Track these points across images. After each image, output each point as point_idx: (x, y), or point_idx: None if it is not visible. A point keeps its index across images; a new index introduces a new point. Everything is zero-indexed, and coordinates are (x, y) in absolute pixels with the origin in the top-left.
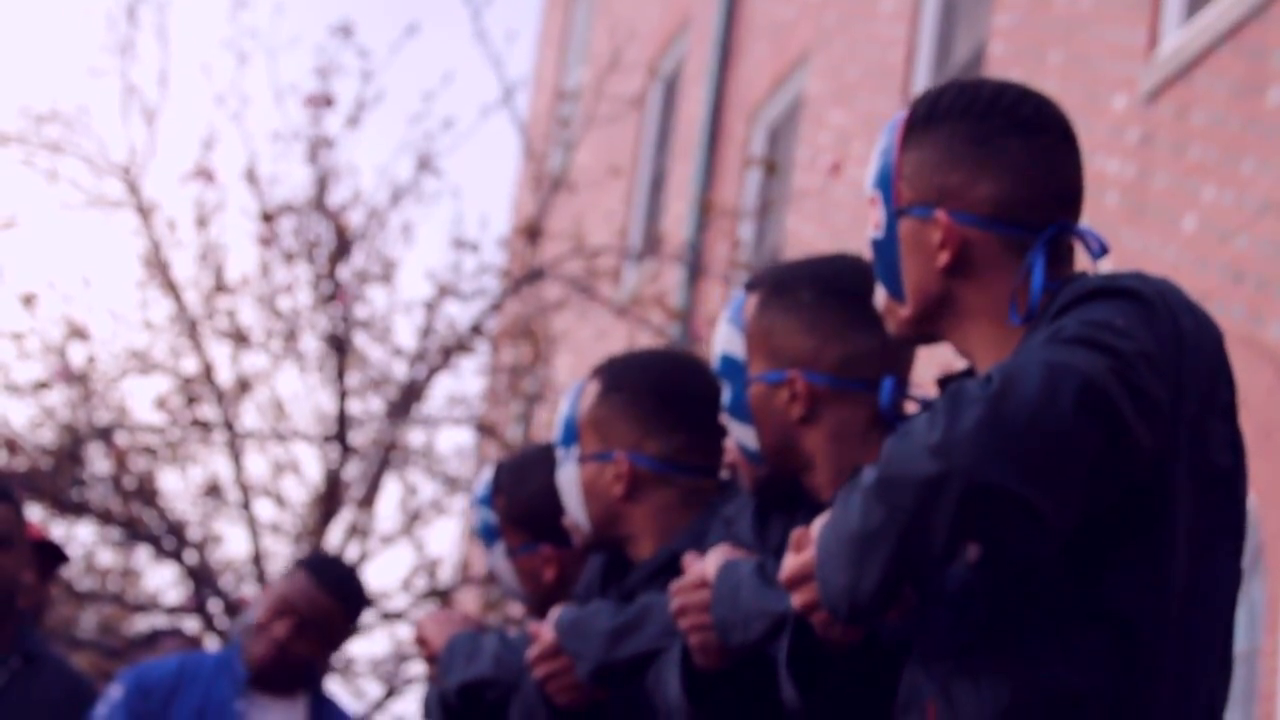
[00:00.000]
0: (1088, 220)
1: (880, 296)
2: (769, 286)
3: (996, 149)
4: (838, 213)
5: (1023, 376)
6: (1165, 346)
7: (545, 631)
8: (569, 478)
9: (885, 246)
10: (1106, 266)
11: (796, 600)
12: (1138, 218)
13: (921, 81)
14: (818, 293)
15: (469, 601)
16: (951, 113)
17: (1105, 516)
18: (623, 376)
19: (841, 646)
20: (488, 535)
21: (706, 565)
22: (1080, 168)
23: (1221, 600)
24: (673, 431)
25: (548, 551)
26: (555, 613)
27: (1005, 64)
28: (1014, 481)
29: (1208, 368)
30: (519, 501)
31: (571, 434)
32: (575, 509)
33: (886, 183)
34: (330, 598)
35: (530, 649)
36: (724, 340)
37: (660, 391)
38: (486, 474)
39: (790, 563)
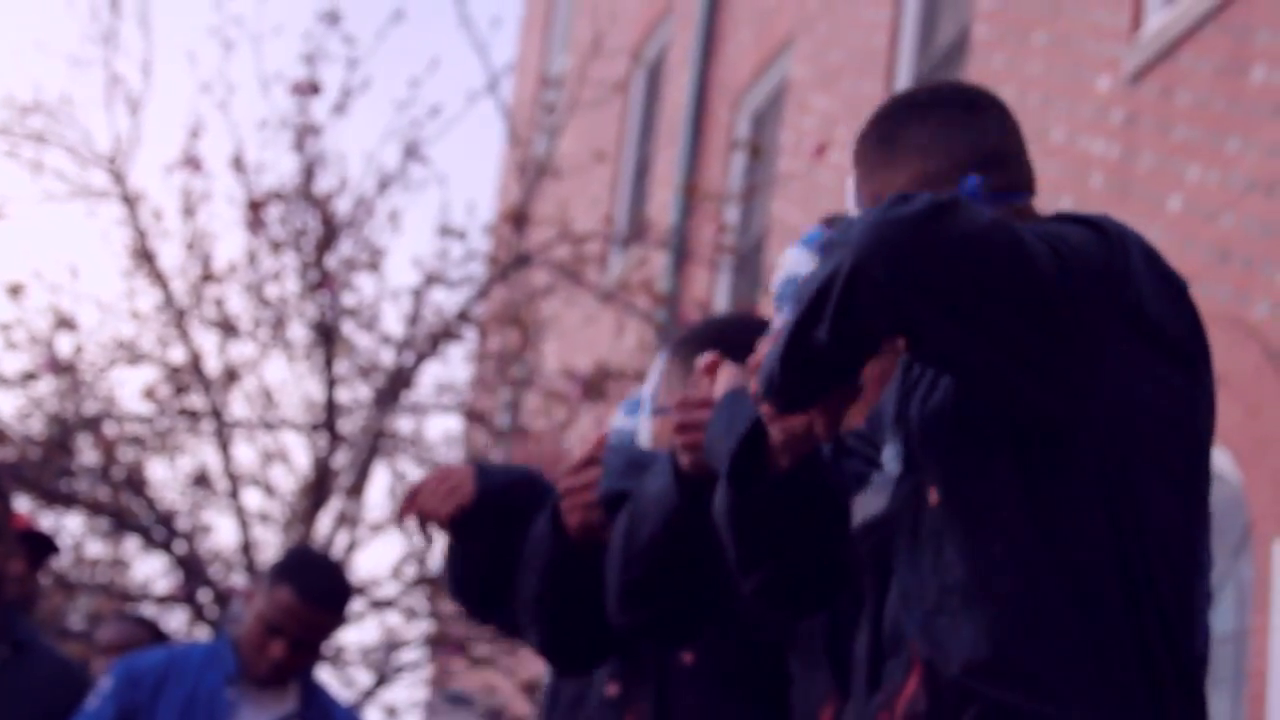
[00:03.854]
0: (1073, 201)
1: None
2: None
3: (899, 140)
4: (822, 196)
5: (973, 208)
6: (1110, 270)
7: (593, 441)
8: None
9: None
10: None
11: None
12: (1123, 198)
13: (906, 64)
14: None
15: None
16: (866, 127)
17: (1035, 427)
18: (687, 335)
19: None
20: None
21: (716, 386)
22: (999, 132)
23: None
24: None
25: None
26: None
27: (989, 46)
28: (902, 284)
29: (1155, 306)
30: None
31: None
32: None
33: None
34: (319, 611)
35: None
36: (793, 263)
37: (715, 345)
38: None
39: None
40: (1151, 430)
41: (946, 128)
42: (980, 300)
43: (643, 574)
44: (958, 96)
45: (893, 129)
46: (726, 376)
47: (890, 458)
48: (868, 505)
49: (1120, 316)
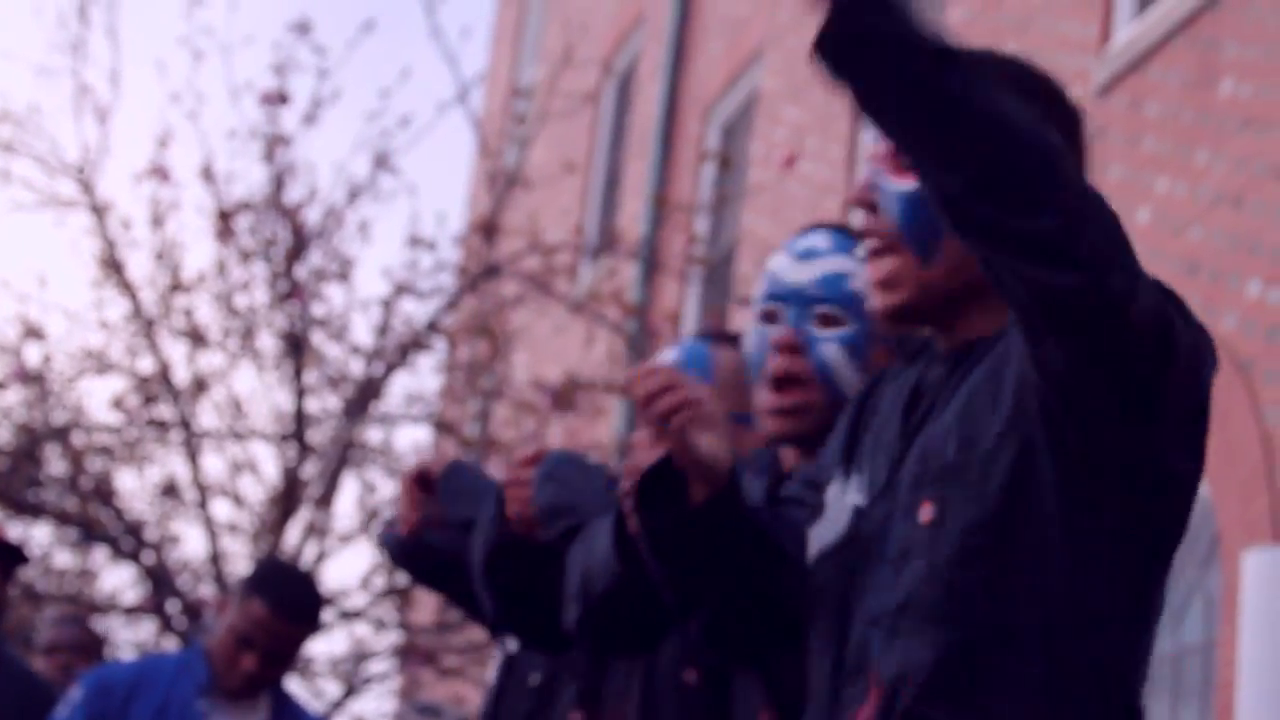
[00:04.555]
0: None
1: (892, 260)
2: None
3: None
4: (792, 207)
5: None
6: (1200, 350)
7: (545, 444)
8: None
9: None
10: None
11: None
12: None
13: None
14: None
15: (429, 601)
16: (1033, 92)
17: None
18: None
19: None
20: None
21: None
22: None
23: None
24: None
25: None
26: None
27: None
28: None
29: (1208, 375)
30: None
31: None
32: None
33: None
34: (291, 624)
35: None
36: (788, 271)
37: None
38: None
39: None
40: (1163, 508)
41: (1081, 135)
42: (1140, 361)
43: (601, 619)
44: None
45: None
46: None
47: (846, 491)
48: (823, 534)
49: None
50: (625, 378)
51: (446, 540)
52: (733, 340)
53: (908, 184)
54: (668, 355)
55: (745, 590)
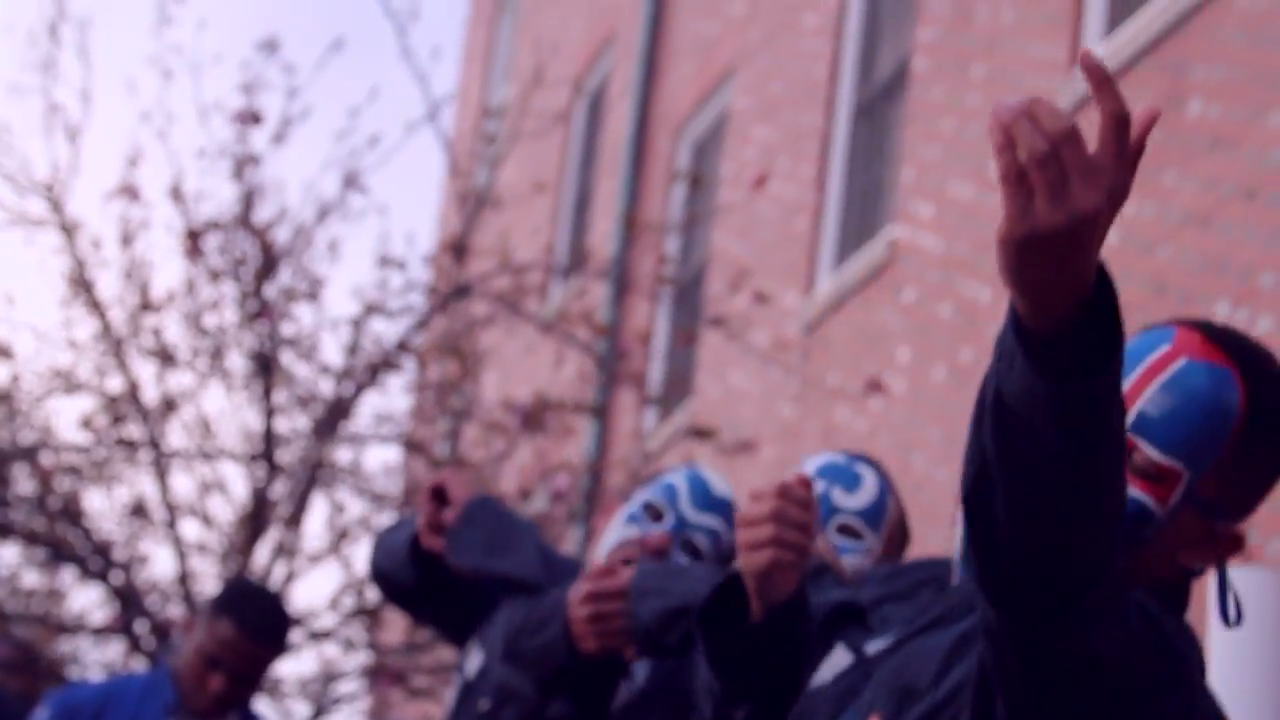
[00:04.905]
0: None
1: None
2: None
3: (1272, 484)
4: (762, 227)
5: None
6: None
7: (625, 571)
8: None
9: (1153, 524)
10: None
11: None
12: None
13: (846, 96)
14: None
15: (398, 621)
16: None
17: None
18: None
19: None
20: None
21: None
22: None
23: None
24: None
25: None
26: (634, 570)
27: (928, 79)
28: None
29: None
30: None
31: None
32: None
33: (1203, 462)
34: (259, 645)
35: (590, 579)
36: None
37: None
38: None
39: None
40: None
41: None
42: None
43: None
44: None
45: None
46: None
47: (861, 642)
48: (822, 673)
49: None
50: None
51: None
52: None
53: (1134, 492)
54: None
55: (784, 694)
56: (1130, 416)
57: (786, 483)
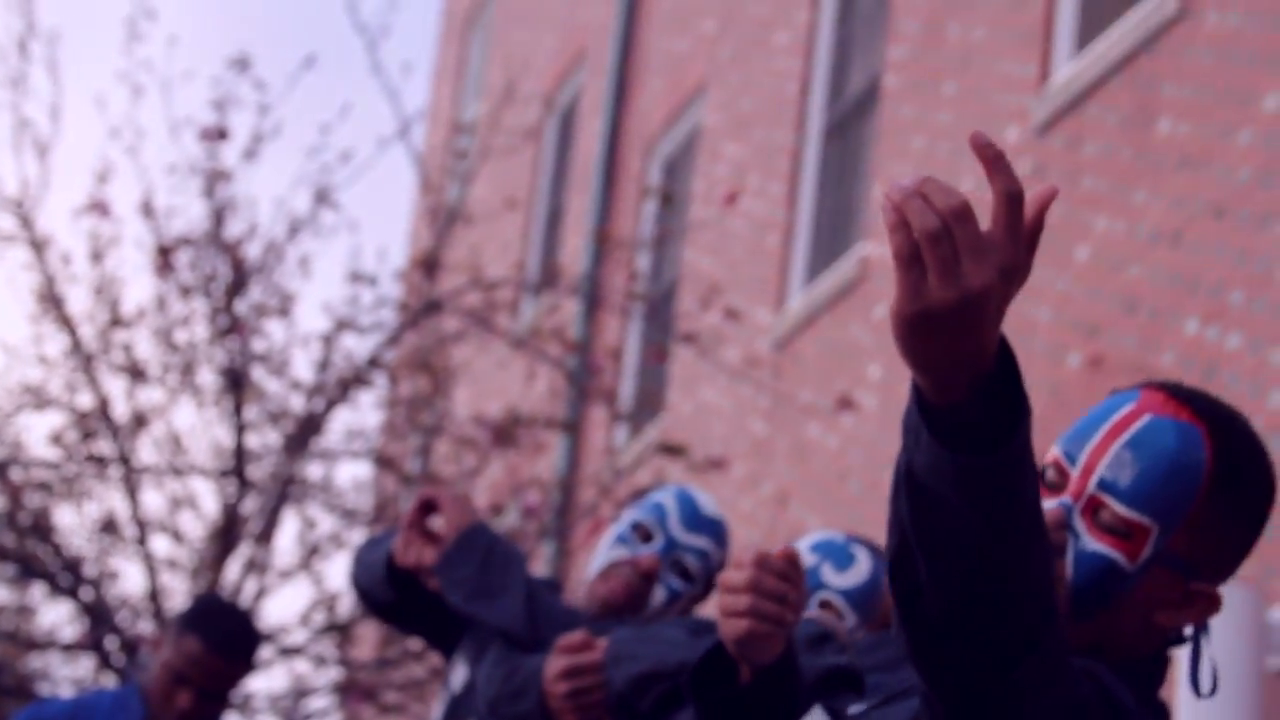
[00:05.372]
0: None
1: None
2: None
3: (1246, 543)
4: (733, 244)
5: (1073, 678)
6: None
7: (600, 643)
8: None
9: (1123, 581)
10: None
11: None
12: None
13: (816, 114)
14: None
15: (369, 637)
16: (1259, 486)
17: None
18: None
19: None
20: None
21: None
22: None
23: None
24: None
25: None
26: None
27: (899, 97)
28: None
29: None
30: None
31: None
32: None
33: (1172, 520)
34: (226, 661)
35: (566, 654)
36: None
37: None
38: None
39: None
40: None
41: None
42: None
43: None
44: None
45: (1256, 523)
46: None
47: (845, 710)
48: None
49: None
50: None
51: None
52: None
53: (1102, 548)
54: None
55: None
56: (1095, 477)
57: (765, 553)
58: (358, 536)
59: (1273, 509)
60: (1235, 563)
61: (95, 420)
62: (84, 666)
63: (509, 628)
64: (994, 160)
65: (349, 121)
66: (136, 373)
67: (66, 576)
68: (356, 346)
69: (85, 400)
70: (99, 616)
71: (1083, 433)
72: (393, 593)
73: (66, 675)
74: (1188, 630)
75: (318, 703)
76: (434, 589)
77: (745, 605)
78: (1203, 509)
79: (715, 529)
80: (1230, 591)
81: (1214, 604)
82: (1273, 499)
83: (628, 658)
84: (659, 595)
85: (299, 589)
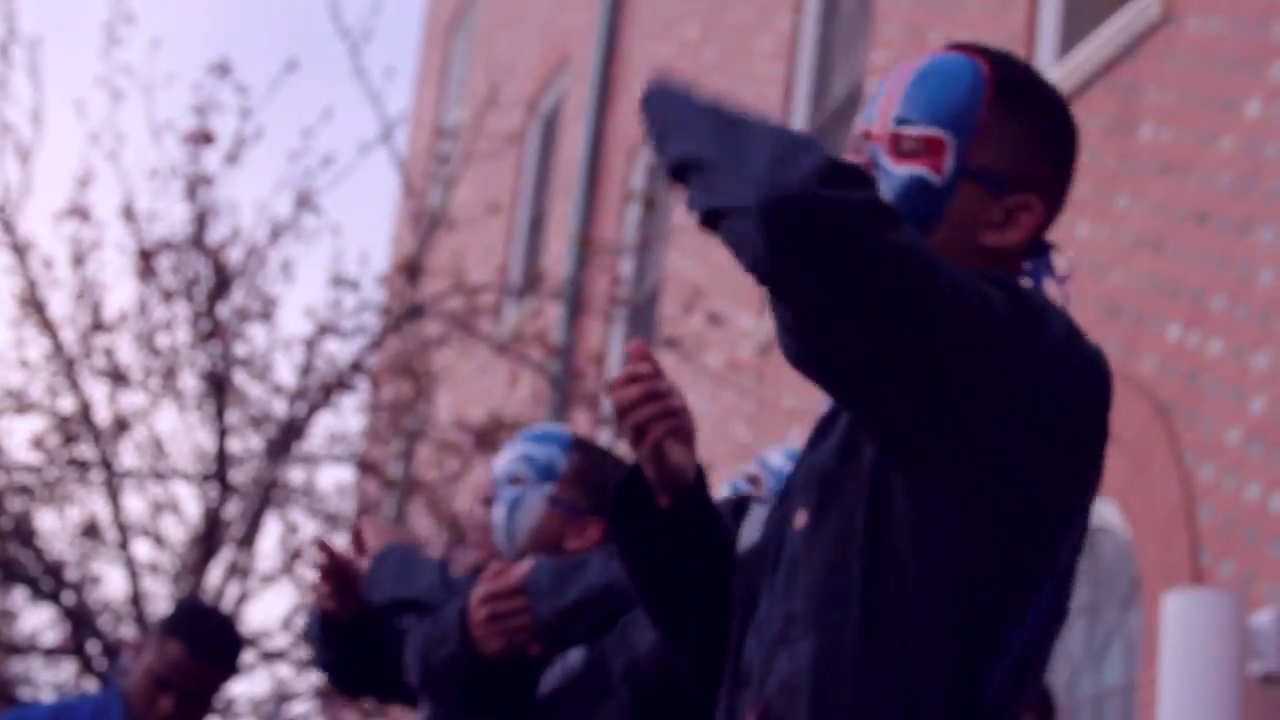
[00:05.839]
0: None
1: None
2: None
3: (1070, 161)
4: (716, 249)
5: (906, 222)
6: (1014, 326)
7: (518, 568)
8: (529, 507)
9: (937, 196)
10: None
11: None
12: None
13: (799, 119)
14: None
15: None
16: (1047, 102)
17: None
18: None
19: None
20: (543, 471)
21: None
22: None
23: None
24: None
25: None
26: (528, 564)
27: None
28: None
29: (1058, 381)
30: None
31: (549, 473)
32: (511, 532)
33: (964, 129)
34: (208, 666)
35: (485, 582)
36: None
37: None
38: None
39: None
40: (1010, 495)
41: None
42: (883, 310)
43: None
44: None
45: (1066, 139)
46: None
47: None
48: (747, 536)
49: (1011, 376)
50: (607, 383)
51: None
52: (591, 450)
53: (907, 169)
54: (528, 432)
55: (713, 592)
56: (891, 118)
57: (634, 370)
58: (340, 541)
59: (1067, 127)
60: (1034, 170)
61: (77, 424)
62: (66, 671)
63: (431, 598)
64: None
65: (331, 126)
66: (118, 377)
67: (48, 581)
68: (339, 351)
69: (67, 404)
70: (81, 621)
71: (876, 97)
72: (338, 649)
73: (48, 680)
74: (1027, 265)
75: (300, 707)
76: (368, 615)
77: (648, 414)
78: (990, 116)
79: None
80: (1212, 597)
81: (1034, 214)
82: (1061, 115)
83: (551, 589)
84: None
85: (281, 593)
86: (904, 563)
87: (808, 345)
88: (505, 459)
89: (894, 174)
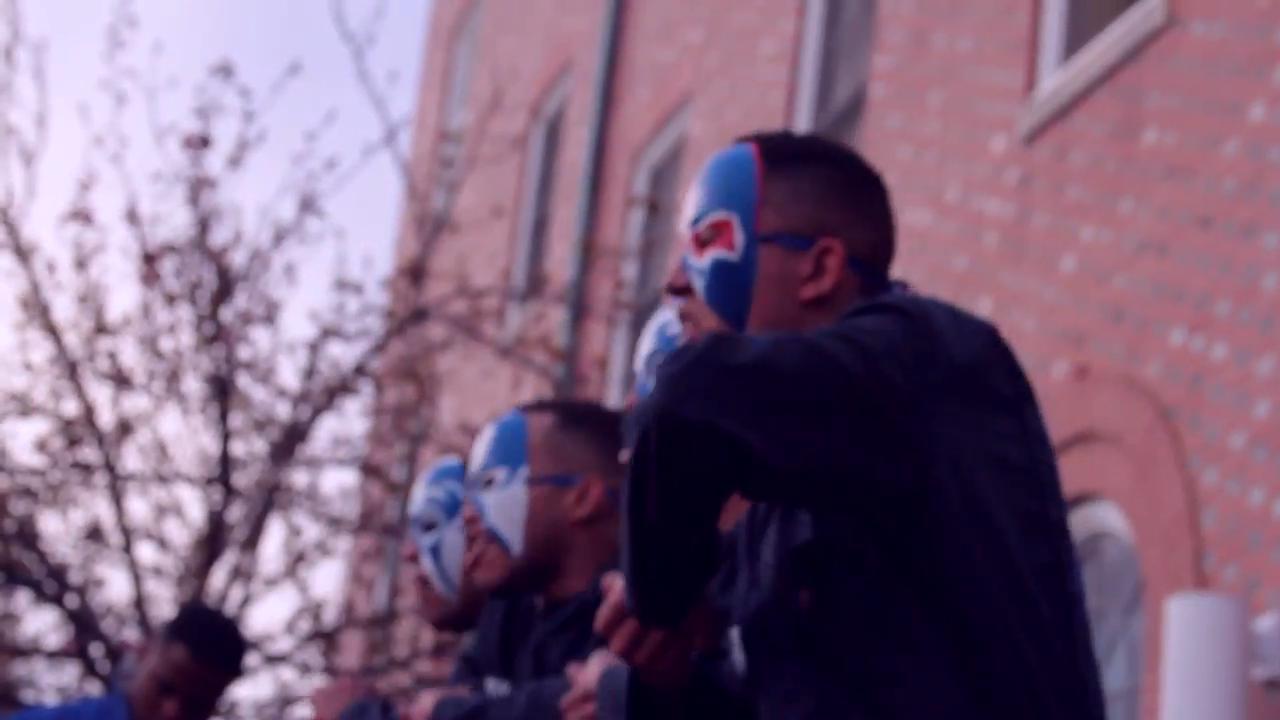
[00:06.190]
0: (968, 260)
1: (709, 329)
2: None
3: (867, 198)
4: None
5: (752, 337)
6: (916, 347)
7: (417, 714)
8: (511, 499)
9: (739, 272)
10: (986, 306)
11: (614, 647)
12: (1017, 258)
13: (803, 123)
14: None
15: (353, 644)
16: (822, 155)
17: (890, 512)
18: (583, 411)
19: (674, 692)
20: (450, 508)
21: (588, 675)
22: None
23: (1022, 581)
24: None
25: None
26: (429, 699)
27: (885, 106)
28: (709, 413)
29: (969, 363)
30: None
31: (515, 456)
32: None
33: (746, 204)
34: (213, 670)
35: None
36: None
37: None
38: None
39: (603, 610)
40: (997, 480)
41: (890, 213)
42: (793, 416)
43: None
44: (859, 165)
45: (860, 182)
46: (597, 663)
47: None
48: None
49: (936, 384)
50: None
51: None
52: (548, 406)
53: (708, 257)
54: (486, 431)
55: None
56: (688, 221)
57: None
58: (343, 544)
59: (851, 168)
60: (824, 216)
61: (80, 427)
62: (69, 674)
63: None
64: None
65: (335, 129)
66: (122, 380)
67: (51, 584)
68: (342, 354)
69: (70, 407)
70: (84, 624)
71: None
72: None
73: (51, 683)
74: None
75: (303, 711)
76: None
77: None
78: (768, 185)
79: None
80: (1216, 602)
81: (837, 254)
82: (841, 160)
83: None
84: None
85: (284, 597)
86: (947, 601)
87: (772, 489)
88: (414, 510)
89: (699, 267)
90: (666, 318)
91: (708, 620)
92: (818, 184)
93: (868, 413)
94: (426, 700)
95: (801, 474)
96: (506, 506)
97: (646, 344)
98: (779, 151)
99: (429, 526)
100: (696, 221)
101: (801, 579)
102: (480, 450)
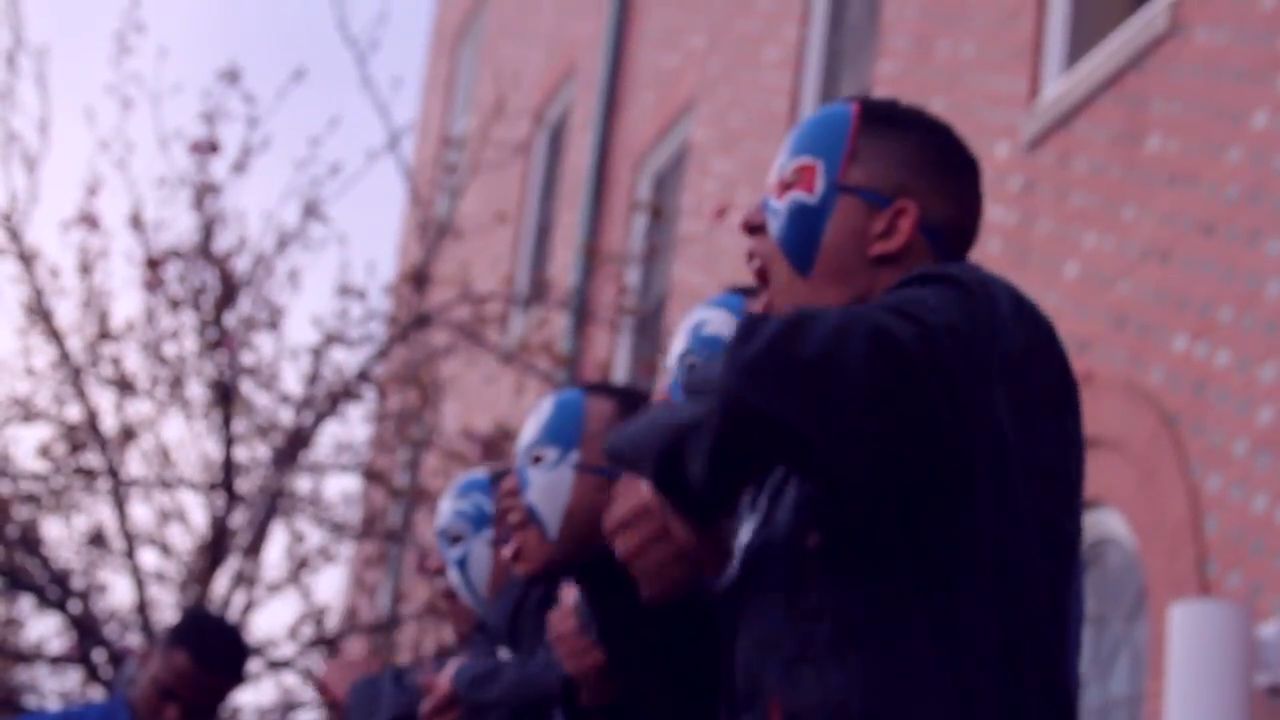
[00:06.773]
0: None
1: (775, 270)
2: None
3: (955, 174)
4: (723, 259)
5: (819, 316)
6: (976, 327)
7: (441, 682)
8: (558, 481)
9: (814, 215)
10: None
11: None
12: (1020, 264)
13: None
14: None
15: (356, 649)
16: (919, 124)
17: (923, 491)
18: (643, 402)
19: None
20: (477, 521)
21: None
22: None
23: (1045, 584)
24: None
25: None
26: (451, 667)
27: None
28: (776, 407)
29: (1023, 353)
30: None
31: (568, 438)
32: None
33: (834, 154)
34: (214, 676)
35: (424, 702)
36: (714, 324)
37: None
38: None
39: (618, 508)
40: (1027, 479)
41: (978, 198)
42: (856, 418)
43: None
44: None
45: (951, 158)
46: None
47: (745, 532)
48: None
49: (990, 370)
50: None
51: None
52: (610, 392)
53: (788, 198)
54: (544, 404)
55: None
56: (777, 172)
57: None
58: (346, 550)
59: (941, 139)
60: (909, 178)
61: (84, 433)
62: (71, 679)
63: (393, 714)
64: None
65: (338, 135)
66: (125, 385)
67: (54, 589)
68: (346, 360)
69: (74, 413)
70: (87, 629)
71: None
72: None
73: (54, 688)
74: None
75: (305, 717)
76: None
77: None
78: (860, 140)
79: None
80: (1219, 608)
81: (910, 216)
82: (932, 129)
83: (469, 696)
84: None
85: (287, 602)
86: (951, 577)
87: (826, 474)
88: (440, 523)
89: (779, 209)
90: (700, 316)
91: (718, 549)
92: (908, 149)
93: (925, 405)
94: (449, 668)
95: (854, 473)
96: (551, 487)
97: (680, 343)
98: (878, 112)
99: (456, 539)
100: (784, 166)
101: (816, 521)
102: (534, 423)
